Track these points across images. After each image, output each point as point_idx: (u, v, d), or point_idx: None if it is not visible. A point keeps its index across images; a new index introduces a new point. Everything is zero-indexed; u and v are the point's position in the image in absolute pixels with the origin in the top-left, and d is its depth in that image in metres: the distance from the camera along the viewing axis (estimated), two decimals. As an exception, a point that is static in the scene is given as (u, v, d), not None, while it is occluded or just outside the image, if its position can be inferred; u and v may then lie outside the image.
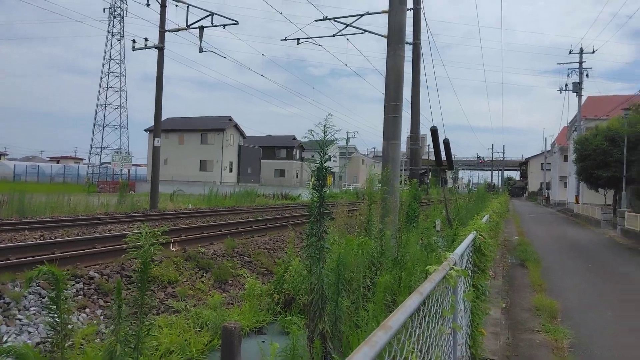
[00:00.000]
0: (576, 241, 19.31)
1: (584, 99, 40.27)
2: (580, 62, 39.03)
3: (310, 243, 4.64)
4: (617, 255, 15.40)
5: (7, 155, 78.90)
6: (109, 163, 43.08)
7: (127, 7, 47.46)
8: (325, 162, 4.67)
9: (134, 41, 22.53)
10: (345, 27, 20.30)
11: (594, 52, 40.11)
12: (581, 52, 39.11)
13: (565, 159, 51.16)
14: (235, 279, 8.09)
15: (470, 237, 4.72)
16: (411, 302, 1.87)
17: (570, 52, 39.71)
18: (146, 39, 22.16)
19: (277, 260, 9.07)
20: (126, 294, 5.59)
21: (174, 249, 9.43)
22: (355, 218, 7.95)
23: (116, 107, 47.76)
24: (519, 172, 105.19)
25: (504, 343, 5.90)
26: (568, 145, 47.32)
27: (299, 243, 9.71)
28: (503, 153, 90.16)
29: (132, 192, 32.07)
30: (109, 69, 46.95)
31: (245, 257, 9.72)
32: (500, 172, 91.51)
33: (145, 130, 53.70)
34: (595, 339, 6.40)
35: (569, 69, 39.76)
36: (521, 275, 10.85)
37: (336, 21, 20.35)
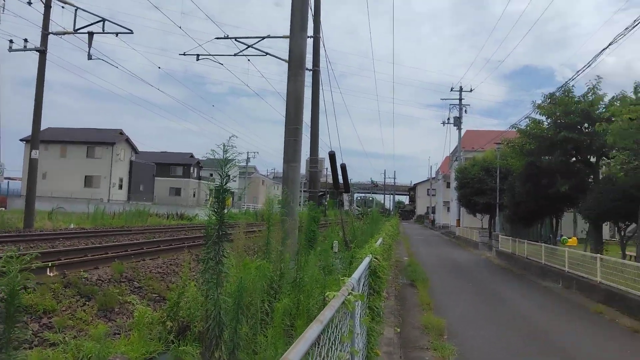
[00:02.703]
0: (458, 262, 20.98)
1: (463, 132, 44.57)
2: (460, 99, 43.25)
3: (207, 267, 4.47)
4: (493, 275, 16.99)
5: None
6: (-25, 175, 37.97)
7: (4, 4, 42.94)
8: (226, 183, 4.56)
9: (11, 41, 20.45)
10: (247, 48, 20.31)
11: (471, 90, 44.83)
12: (461, 90, 43.39)
13: (448, 185, 55.72)
14: (123, 307, 7.49)
15: (367, 260, 4.89)
16: (311, 332, 1.83)
17: (451, 90, 43.96)
18: (26, 40, 20.21)
19: (171, 285, 8.59)
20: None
21: (51, 274, 8.50)
22: (254, 240, 7.84)
23: (-14, 112, 42.54)
24: (408, 196, 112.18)
25: (396, 362, 6.14)
26: (450, 174, 51.68)
27: (195, 266, 9.31)
28: (394, 179, 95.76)
29: (3, 209, 28.62)
30: (-21, 70, 41.81)
31: (135, 283, 9.07)
32: (392, 196, 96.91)
33: (21, 140, 48.26)
34: (477, 354, 6.93)
35: (450, 104, 43.91)
36: (411, 295, 11.47)
37: (237, 41, 20.29)
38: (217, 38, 20.63)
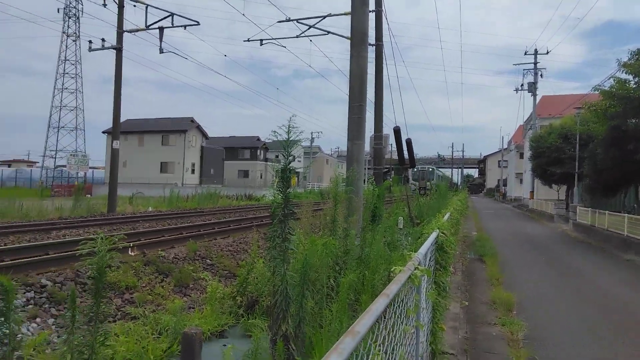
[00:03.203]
0: (531, 235, 20.02)
1: (538, 98, 41.76)
2: (535, 63, 40.32)
3: (274, 245, 4.57)
4: (569, 249, 16.05)
5: (-47, 158, 74.40)
6: (64, 166, 41.34)
7: (82, 8, 45.62)
8: (289, 163, 4.61)
9: (90, 42, 21.83)
10: (308, 29, 20.23)
11: (547, 53, 41.67)
12: (535, 53, 40.42)
13: (521, 156, 52.96)
14: (197, 283, 7.91)
15: (433, 235, 4.78)
16: (378, 306, 1.83)
17: (525, 53, 41.00)
18: (103, 40, 21.50)
19: (241, 262, 8.93)
20: (80, 302, 5.35)
21: (132, 254, 9.13)
22: (320, 218, 7.92)
23: (72, 109, 45.78)
24: (477, 169, 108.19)
25: (462, 337, 6.01)
26: (523, 143, 48.97)
27: (263, 244, 9.59)
28: (462, 151, 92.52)
29: (89, 196, 30.99)
30: (64, 70, 44.89)
31: (208, 260, 9.52)
32: (460, 169, 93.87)
33: (104, 132, 51.98)
34: (548, 330, 6.61)
35: (524, 69, 41.09)
36: (479, 270, 11.12)
37: (299, 22, 20.25)
38: (280, 21, 20.78)
